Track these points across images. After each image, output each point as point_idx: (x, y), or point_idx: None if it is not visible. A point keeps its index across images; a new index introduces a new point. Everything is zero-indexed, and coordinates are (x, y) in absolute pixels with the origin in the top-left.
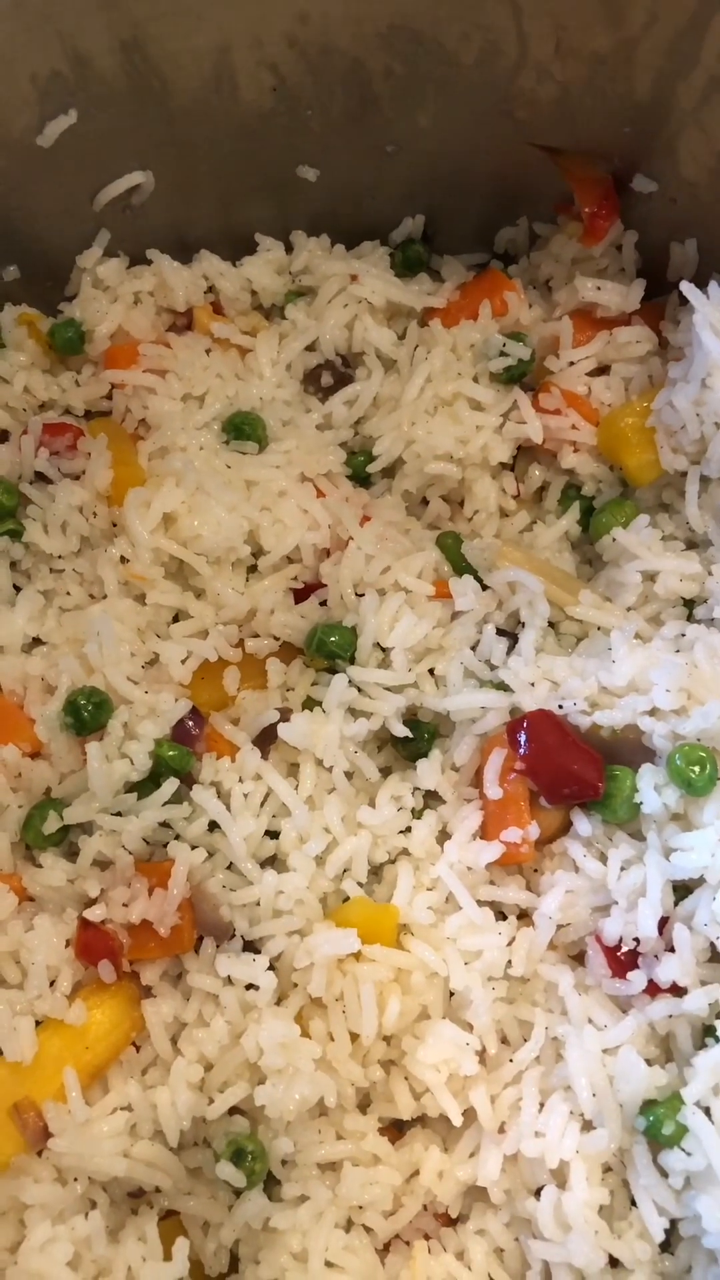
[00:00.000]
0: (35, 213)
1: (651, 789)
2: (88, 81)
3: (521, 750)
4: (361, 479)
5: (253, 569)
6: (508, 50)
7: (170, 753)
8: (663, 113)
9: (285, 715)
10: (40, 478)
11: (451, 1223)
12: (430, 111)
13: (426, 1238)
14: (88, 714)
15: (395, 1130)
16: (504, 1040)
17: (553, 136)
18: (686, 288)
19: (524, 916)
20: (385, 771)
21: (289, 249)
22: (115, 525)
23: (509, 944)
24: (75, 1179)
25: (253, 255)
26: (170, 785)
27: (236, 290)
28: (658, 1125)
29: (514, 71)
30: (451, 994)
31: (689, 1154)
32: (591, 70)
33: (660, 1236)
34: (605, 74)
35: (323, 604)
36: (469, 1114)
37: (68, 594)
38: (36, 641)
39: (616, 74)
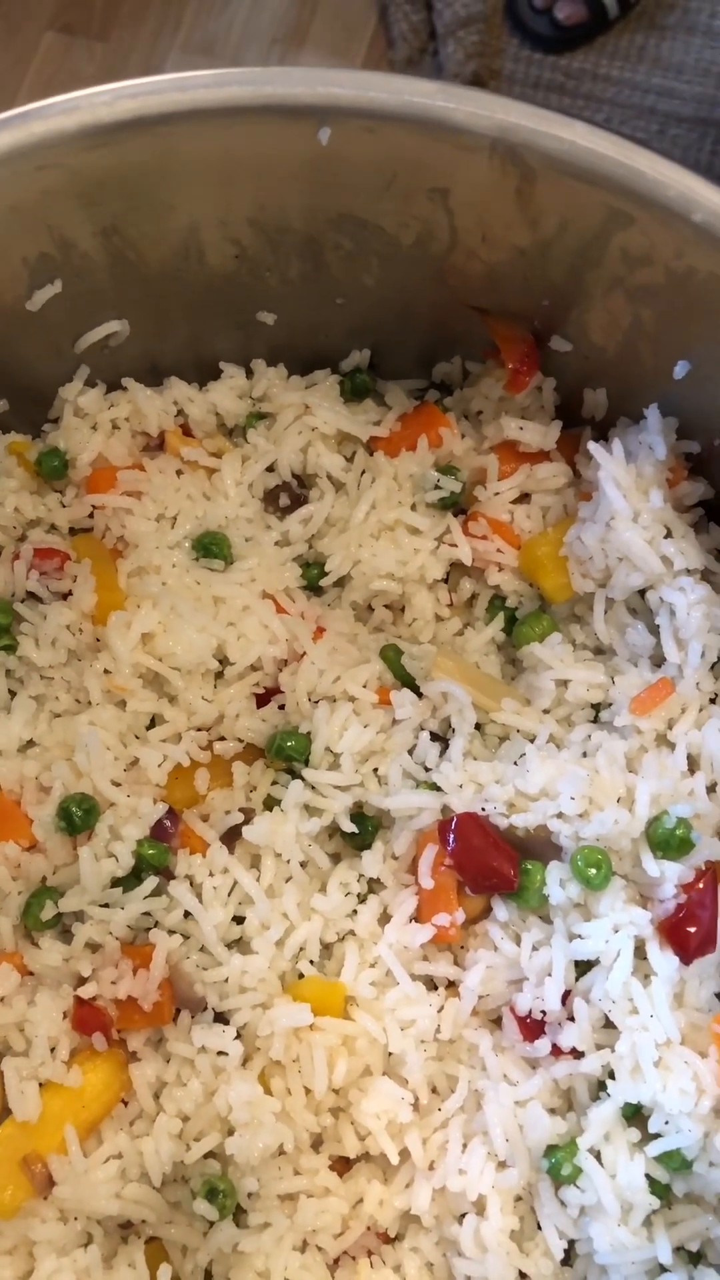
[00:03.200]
0: (23, 358)
1: (558, 884)
2: (71, 259)
3: (450, 847)
4: (315, 588)
5: (219, 675)
6: (441, 237)
7: (150, 851)
8: (575, 294)
9: (249, 816)
10: (31, 596)
11: (390, 1241)
12: (374, 276)
13: (370, 1254)
14: (79, 819)
15: (343, 1164)
16: (434, 1090)
17: (482, 300)
18: (594, 448)
19: (451, 986)
20: (335, 857)
21: (249, 374)
22: (99, 640)
23: (439, 1012)
24: (75, 1218)
25: (217, 380)
26: (151, 882)
27: (203, 414)
28: (558, 1167)
29: (447, 252)
30: (390, 1054)
31: (583, 1190)
32: (514, 256)
33: (560, 1255)
34: (526, 261)
35: (281, 708)
36: (404, 1153)
37: (57, 699)
38: (30, 743)
39: (535, 261)
